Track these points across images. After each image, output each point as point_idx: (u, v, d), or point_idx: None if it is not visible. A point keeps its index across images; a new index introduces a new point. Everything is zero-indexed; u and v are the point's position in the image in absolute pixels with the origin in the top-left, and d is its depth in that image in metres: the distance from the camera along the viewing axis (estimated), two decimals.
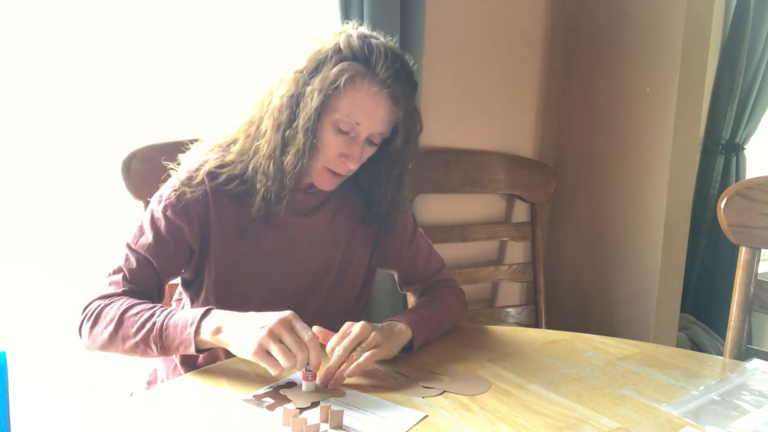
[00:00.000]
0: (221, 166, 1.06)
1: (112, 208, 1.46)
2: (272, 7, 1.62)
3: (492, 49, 1.94)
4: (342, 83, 0.98)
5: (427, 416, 0.84)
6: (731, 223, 1.24)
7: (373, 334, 0.96)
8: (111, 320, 0.97)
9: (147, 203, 1.29)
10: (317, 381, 0.90)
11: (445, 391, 0.91)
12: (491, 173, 1.95)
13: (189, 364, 1.11)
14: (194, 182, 1.05)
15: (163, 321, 0.94)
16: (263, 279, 1.10)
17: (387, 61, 1.00)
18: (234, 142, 1.09)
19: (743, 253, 1.24)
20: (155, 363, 1.20)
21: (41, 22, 1.38)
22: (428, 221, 1.88)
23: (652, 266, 1.87)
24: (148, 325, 0.95)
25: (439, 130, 1.88)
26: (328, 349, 0.94)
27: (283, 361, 0.85)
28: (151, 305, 0.98)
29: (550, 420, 0.84)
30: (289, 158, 1.01)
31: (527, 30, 2.01)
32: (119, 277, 1.03)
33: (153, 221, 1.05)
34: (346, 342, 0.94)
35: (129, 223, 1.36)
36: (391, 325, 1.04)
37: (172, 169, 1.10)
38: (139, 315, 0.96)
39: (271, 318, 0.88)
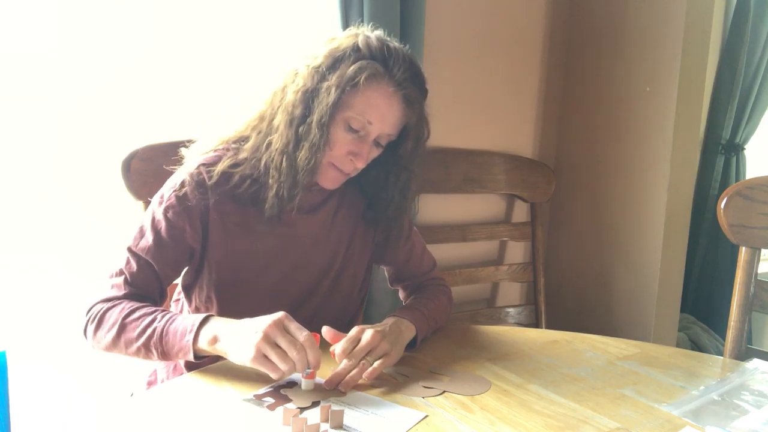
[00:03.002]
0: (235, 165, 1.05)
1: (112, 209, 1.46)
2: (273, 7, 1.62)
3: (492, 49, 1.94)
4: (361, 81, 0.98)
5: (427, 416, 0.84)
6: (731, 223, 1.24)
7: (382, 343, 0.97)
8: (113, 324, 0.97)
9: (147, 203, 1.29)
10: (321, 381, 0.90)
11: (445, 391, 0.91)
12: (491, 173, 1.95)
13: (189, 364, 1.11)
14: (198, 181, 1.04)
15: (164, 327, 0.94)
16: (265, 278, 1.10)
17: (404, 64, 1.02)
18: (243, 138, 1.08)
19: (743, 253, 1.24)
20: (155, 363, 1.20)
21: (42, 22, 1.38)
22: (428, 221, 1.88)
23: (652, 266, 1.87)
24: (149, 331, 0.94)
25: (439, 130, 1.86)
26: (337, 352, 0.94)
27: (281, 365, 0.85)
28: (153, 309, 0.98)
29: (550, 420, 0.84)
30: (302, 153, 1.01)
31: (527, 30, 2.01)
32: (120, 279, 1.03)
33: (154, 223, 1.04)
34: (357, 350, 0.94)
35: (129, 223, 1.36)
36: (398, 324, 1.05)
37: (173, 167, 1.10)
38: (140, 320, 0.96)
39: (264, 321, 0.87)
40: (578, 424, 0.83)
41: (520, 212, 2.08)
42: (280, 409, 0.83)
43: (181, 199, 1.03)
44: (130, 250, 1.04)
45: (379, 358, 0.95)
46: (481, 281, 1.96)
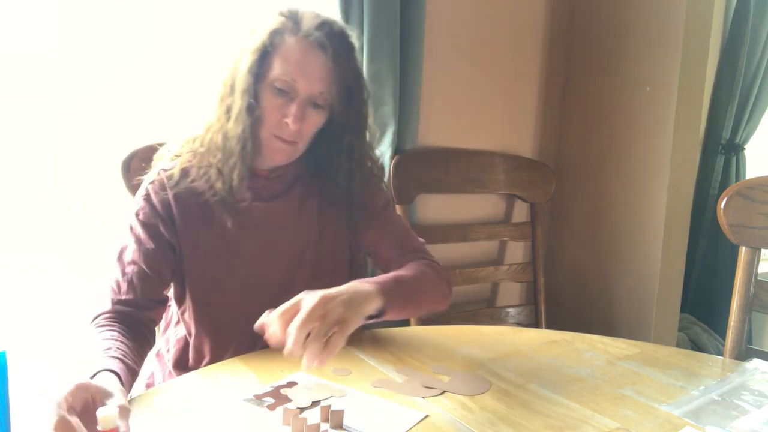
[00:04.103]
0: (191, 160, 1.08)
1: (112, 209, 1.46)
2: (273, 8, 1.61)
3: (492, 49, 1.94)
4: (271, 39, 1.02)
5: (427, 416, 0.83)
6: (731, 223, 1.24)
7: (334, 308, 0.83)
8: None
9: None
10: (321, 381, 0.90)
11: (445, 391, 0.91)
12: (491, 173, 1.95)
13: (181, 367, 1.12)
14: (159, 182, 1.08)
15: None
16: (235, 269, 1.09)
17: (313, 18, 1.04)
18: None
19: (743, 253, 1.24)
20: (152, 367, 1.20)
21: (42, 22, 1.38)
22: (428, 221, 1.88)
23: (652, 266, 1.87)
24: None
25: (439, 130, 1.88)
26: (272, 327, 0.83)
27: None
28: (107, 337, 0.94)
29: (550, 420, 0.84)
30: (230, 124, 1.03)
31: (527, 30, 2.01)
32: (112, 295, 1.04)
33: (131, 230, 1.08)
34: (299, 321, 0.80)
35: (129, 223, 1.35)
36: (354, 285, 0.91)
37: (140, 178, 1.13)
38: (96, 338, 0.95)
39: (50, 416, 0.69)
40: (578, 424, 0.83)
41: (520, 212, 2.08)
42: (280, 409, 0.83)
43: (147, 199, 1.07)
44: (117, 262, 1.06)
45: (332, 327, 0.82)
46: (481, 281, 1.96)
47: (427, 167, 1.83)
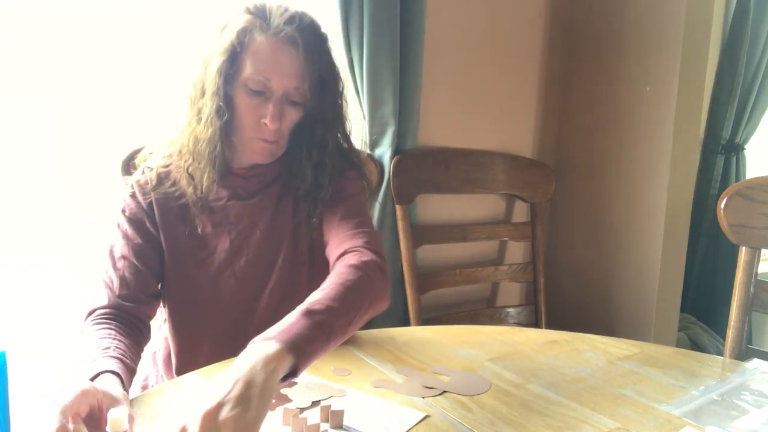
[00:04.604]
0: (168, 164, 1.09)
1: (112, 209, 1.46)
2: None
3: (492, 49, 1.94)
4: (243, 40, 0.99)
5: (427, 416, 0.84)
6: (731, 223, 1.24)
7: (227, 422, 0.64)
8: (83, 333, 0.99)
9: None
10: (321, 381, 0.90)
11: (445, 391, 0.91)
12: (491, 173, 1.95)
13: (169, 366, 1.12)
14: (142, 185, 1.09)
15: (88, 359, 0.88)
16: (207, 267, 1.09)
17: (281, 13, 1.01)
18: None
19: (743, 253, 1.24)
20: (146, 369, 1.20)
21: (42, 22, 1.38)
22: (428, 221, 1.88)
23: (652, 266, 1.87)
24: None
25: (439, 130, 1.88)
26: None
27: None
28: (102, 336, 0.95)
29: (550, 420, 0.84)
30: (201, 127, 1.02)
31: (527, 30, 2.01)
32: (107, 291, 1.05)
33: (118, 227, 1.09)
34: None
35: None
36: (248, 360, 0.69)
37: (127, 178, 1.14)
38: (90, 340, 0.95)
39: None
40: (578, 424, 0.83)
41: (520, 212, 2.08)
42: (280, 409, 0.83)
43: (132, 197, 1.09)
44: (107, 259, 1.07)
45: None
46: (481, 281, 1.96)
47: (427, 167, 1.83)
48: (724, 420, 0.86)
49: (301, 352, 0.72)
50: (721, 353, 1.50)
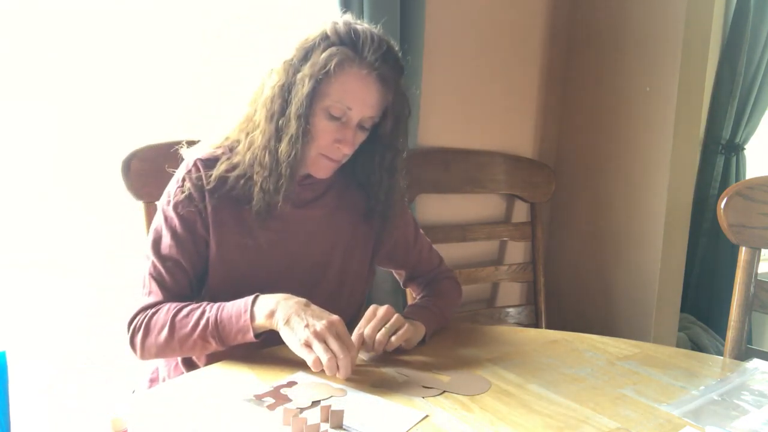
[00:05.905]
0: (229, 169, 1.07)
1: (112, 208, 1.46)
2: (273, 8, 1.62)
3: (492, 49, 1.94)
4: (332, 68, 1.00)
5: (427, 416, 0.84)
6: (731, 223, 1.24)
7: (396, 315, 1.04)
8: (162, 326, 1.00)
9: (147, 203, 1.29)
10: (320, 381, 0.90)
11: (445, 391, 0.91)
12: (491, 173, 1.95)
13: (190, 363, 1.11)
14: (198, 186, 1.06)
15: (216, 315, 0.98)
16: (259, 272, 1.10)
17: (374, 44, 1.02)
18: (237, 141, 1.10)
19: (743, 253, 1.24)
20: (157, 361, 1.20)
21: (42, 22, 1.38)
22: (428, 221, 1.88)
23: (652, 266, 1.87)
24: (203, 322, 0.98)
25: (439, 130, 1.88)
26: (356, 332, 1.01)
27: (324, 358, 0.89)
28: (197, 304, 1.01)
29: (550, 420, 0.84)
30: (283, 146, 1.02)
31: (527, 30, 2.01)
32: (154, 285, 1.05)
33: (167, 222, 1.07)
34: (374, 322, 1.02)
35: (129, 223, 1.36)
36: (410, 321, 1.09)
37: (173, 169, 1.11)
38: (189, 316, 0.99)
39: (320, 319, 0.93)
40: (578, 424, 0.83)
41: (520, 212, 2.08)
42: (280, 409, 0.83)
43: (186, 195, 1.06)
44: (153, 254, 1.06)
45: (396, 330, 1.02)
46: (481, 281, 1.96)
47: (427, 167, 1.83)
48: (724, 420, 0.86)
49: (428, 329, 1.12)
50: (721, 353, 1.50)
